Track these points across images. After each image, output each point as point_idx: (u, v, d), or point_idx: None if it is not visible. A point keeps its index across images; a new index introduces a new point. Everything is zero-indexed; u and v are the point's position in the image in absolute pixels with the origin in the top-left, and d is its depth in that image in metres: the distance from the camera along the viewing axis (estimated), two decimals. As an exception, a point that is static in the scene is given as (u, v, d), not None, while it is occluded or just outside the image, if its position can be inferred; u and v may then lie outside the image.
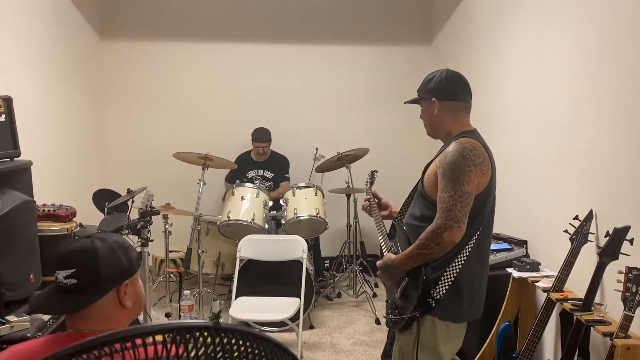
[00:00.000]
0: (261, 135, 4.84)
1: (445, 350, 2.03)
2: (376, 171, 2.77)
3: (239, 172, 4.82)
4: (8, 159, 2.46)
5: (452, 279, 1.94)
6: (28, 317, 2.15)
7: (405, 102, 2.29)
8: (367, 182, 2.75)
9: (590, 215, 2.37)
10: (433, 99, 2.08)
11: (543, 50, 2.97)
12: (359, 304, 4.46)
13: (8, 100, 2.51)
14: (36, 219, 2.46)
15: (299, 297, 3.46)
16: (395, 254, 2.07)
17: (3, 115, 2.49)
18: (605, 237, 2.15)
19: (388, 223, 2.32)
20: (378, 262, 2.16)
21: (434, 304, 1.92)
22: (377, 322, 4.03)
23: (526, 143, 3.19)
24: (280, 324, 3.78)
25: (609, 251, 2.13)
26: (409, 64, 5.27)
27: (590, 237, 2.36)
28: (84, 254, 1.29)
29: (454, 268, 1.95)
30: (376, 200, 2.46)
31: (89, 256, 1.29)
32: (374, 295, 4.56)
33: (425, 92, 2.12)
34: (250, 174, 4.89)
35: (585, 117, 2.55)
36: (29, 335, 2.06)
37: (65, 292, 1.27)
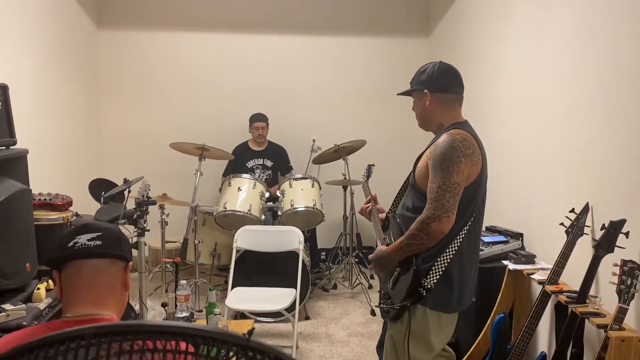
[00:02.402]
0: (260, 116, 4.85)
1: (437, 340, 2.05)
2: (373, 165, 2.77)
3: (237, 163, 4.80)
4: (4, 147, 2.44)
5: (443, 269, 1.96)
6: (24, 305, 2.15)
7: (398, 94, 2.30)
8: (364, 175, 2.75)
9: (586, 209, 2.38)
10: (425, 90, 2.09)
11: (541, 43, 2.97)
12: (355, 295, 4.47)
13: (4, 89, 2.49)
14: (32, 207, 2.45)
15: (295, 288, 3.46)
16: (388, 245, 2.08)
17: (-1, 104, 2.48)
18: (601, 230, 2.16)
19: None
20: (371, 255, 2.17)
21: (424, 294, 1.94)
22: (373, 313, 4.05)
23: (523, 136, 3.19)
24: (276, 315, 3.79)
25: (605, 244, 2.14)
26: (407, 56, 5.25)
27: (586, 230, 2.37)
28: (106, 225, 1.37)
29: (445, 258, 1.96)
30: (376, 205, 2.42)
31: (111, 227, 1.37)
32: (370, 286, 4.57)
33: (417, 83, 2.14)
34: (250, 163, 4.87)
35: (582, 111, 2.55)
36: (24, 323, 2.07)
37: (88, 254, 1.30)
